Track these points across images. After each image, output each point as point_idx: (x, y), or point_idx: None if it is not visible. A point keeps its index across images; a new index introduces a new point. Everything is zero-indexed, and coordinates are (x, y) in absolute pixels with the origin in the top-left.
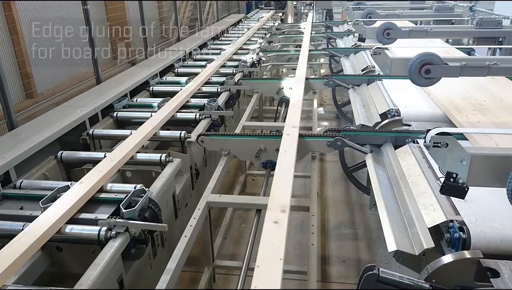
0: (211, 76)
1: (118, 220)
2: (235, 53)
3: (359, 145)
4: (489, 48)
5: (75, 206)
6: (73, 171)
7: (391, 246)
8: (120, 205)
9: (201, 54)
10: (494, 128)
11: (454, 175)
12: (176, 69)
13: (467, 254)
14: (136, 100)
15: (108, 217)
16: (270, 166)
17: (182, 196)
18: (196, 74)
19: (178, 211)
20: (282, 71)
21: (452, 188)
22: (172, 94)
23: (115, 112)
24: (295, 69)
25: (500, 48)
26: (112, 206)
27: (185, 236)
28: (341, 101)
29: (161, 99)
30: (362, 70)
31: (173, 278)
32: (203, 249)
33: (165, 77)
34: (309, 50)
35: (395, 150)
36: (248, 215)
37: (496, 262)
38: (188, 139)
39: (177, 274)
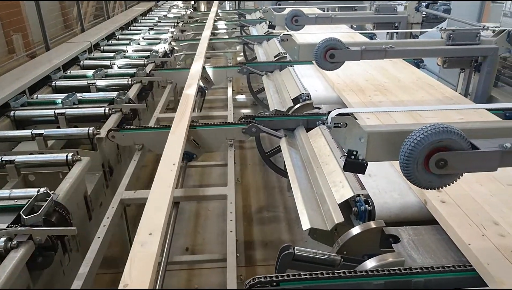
0: (121, 68)
1: (19, 228)
2: (147, 43)
3: (274, 130)
4: (387, 32)
5: None
6: None
7: (305, 225)
8: (21, 212)
9: (109, 45)
10: (393, 107)
11: (355, 152)
12: (82, 62)
13: (372, 224)
14: (37, 97)
15: (7, 226)
16: (187, 157)
17: (95, 195)
18: (104, 66)
19: (91, 212)
20: None
21: (354, 164)
22: (77, 89)
23: (12, 112)
24: (209, 58)
25: (397, 32)
26: (12, 213)
27: (98, 237)
28: (257, 88)
29: (65, 95)
30: (275, 57)
31: (87, 283)
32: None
33: (69, 71)
34: (223, 38)
35: (307, 132)
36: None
37: (396, 229)
38: (97, 136)
39: (91, 277)
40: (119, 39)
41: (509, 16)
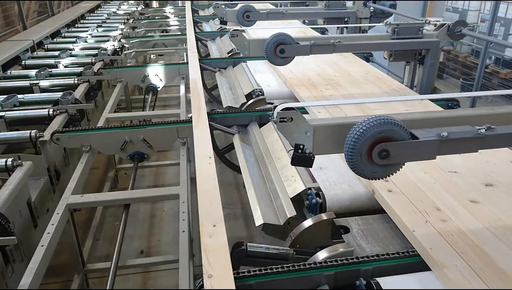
0: (66, 67)
1: None
2: (95, 41)
3: (227, 127)
4: (338, 27)
5: None
6: None
7: (258, 220)
8: None
9: (54, 43)
10: (342, 100)
11: (301, 146)
12: (23, 61)
13: (323, 216)
14: None
15: None
16: (138, 157)
17: (41, 201)
18: (48, 66)
19: (37, 219)
20: (149, 58)
21: (301, 158)
22: (19, 90)
23: None
24: (162, 55)
25: (346, 27)
26: None
27: (42, 246)
28: (211, 85)
29: (5, 96)
30: (228, 53)
31: None
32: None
33: (9, 71)
34: (176, 35)
35: (260, 128)
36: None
37: (346, 219)
38: (41, 139)
39: (35, 288)
40: (64, 37)
41: (451, 11)
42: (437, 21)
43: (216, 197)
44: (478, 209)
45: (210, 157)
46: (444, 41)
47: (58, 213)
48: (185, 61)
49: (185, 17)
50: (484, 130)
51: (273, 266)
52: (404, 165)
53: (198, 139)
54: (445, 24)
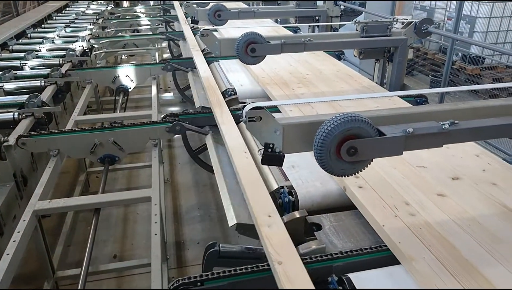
0: (33, 69)
1: None
2: (63, 42)
3: (199, 127)
4: (309, 25)
5: None
6: None
7: (231, 221)
8: None
9: (19, 44)
10: (313, 98)
11: (271, 145)
12: None
13: (296, 214)
14: None
15: None
16: (109, 160)
17: (7, 208)
18: (13, 67)
19: (3, 227)
20: (120, 58)
21: (271, 157)
22: None
23: None
24: (133, 55)
25: (318, 26)
26: None
27: (7, 254)
28: (184, 85)
29: None
30: None
31: None
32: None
33: None
34: (147, 35)
35: None
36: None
37: (318, 217)
38: (5, 144)
39: None
40: (30, 38)
41: (419, 9)
42: (404, 19)
43: (263, 188)
44: (445, 202)
45: (245, 152)
46: (411, 38)
47: (24, 220)
48: (157, 61)
49: (156, 17)
50: (448, 125)
51: (248, 266)
52: (372, 161)
53: (228, 135)
54: (412, 22)
